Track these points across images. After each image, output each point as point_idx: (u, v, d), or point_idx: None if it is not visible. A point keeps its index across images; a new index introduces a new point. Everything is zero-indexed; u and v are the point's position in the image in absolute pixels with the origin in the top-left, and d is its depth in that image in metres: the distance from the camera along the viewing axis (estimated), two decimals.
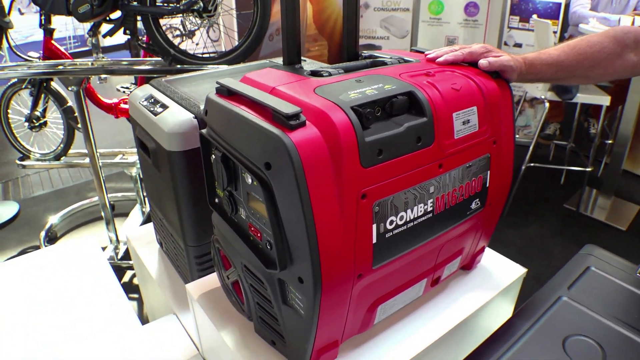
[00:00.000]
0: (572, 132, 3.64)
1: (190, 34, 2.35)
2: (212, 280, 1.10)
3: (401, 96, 0.75)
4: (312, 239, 0.65)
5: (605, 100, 2.97)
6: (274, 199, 0.67)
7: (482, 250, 1.09)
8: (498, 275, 1.10)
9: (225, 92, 0.78)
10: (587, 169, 3.32)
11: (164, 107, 1.10)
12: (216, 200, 0.91)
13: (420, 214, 0.79)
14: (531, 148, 3.13)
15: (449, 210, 0.85)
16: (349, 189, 0.68)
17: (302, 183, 0.63)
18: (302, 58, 1.04)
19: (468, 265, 1.09)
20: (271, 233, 0.71)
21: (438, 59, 0.94)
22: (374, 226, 0.73)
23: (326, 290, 0.70)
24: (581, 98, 2.98)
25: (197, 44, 2.21)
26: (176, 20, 2.61)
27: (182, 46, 2.13)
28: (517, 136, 4.21)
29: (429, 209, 0.80)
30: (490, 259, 1.15)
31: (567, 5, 3.80)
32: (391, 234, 0.76)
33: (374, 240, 0.73)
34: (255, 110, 0.70)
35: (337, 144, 0.66)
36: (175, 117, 1.03)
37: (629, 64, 1.03)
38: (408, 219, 0.77)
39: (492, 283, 1.07)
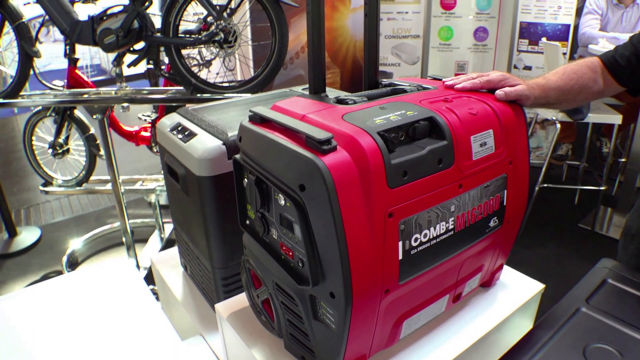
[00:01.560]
0: (585, 151, 3.66)
1: (207, 63, 2.43)
2: (239, 300, 1.14)
3: (423, 121, 0.81)
4: (344, 256, 0.70)
5: (617, 119, 3.00)
6: (307, 218, 0.72)
7: (500, 267, 1.13)
8: (517, 291, 1.13)
9: (258, 119, 0.84)
10: (601, 188, 3.33)
11: (193, 134, 1.15)
12: (247, 222, 0.96)
13: (442, 231, 0.83)
14: (544, 169, 3.16)
15: (469, 228, 0.89)
16: (377, 208, 0.72)
17: (335, 203, 0.68)
18: None
19: (487, 282, 1.12)
20: (304, 251, 0.75)
21: (456, 86, 0.99)
22: (400, 243, 0.77)
23: (356, 304, 0.74)
24: (592, 118, 3.00)
25: (217, 74, 2.29)
26: (193, 50, 2.69)
27: (199, 75, 2.21)
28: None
29: (451, 227, 0.85)
30: (509, 276, 1.19)
31: (576, 27, 3.86)
32: (416, 250, 0.80)
33: (400, 257, 0.78)
34: (289, 136, 0.76)
35: (366, 167, 0.71)
36: (204, 144, 1.09)
37: (600, 88, 1.16)
38: (431, 237, 0.82)
39: (511, 299, 1.11)
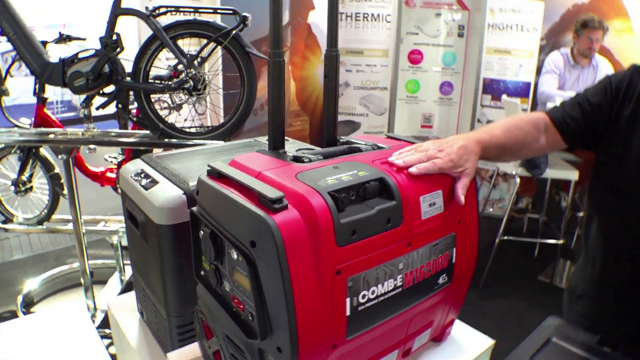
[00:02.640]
0: (544, 205, 3.78)
1: (178, 107, 2.46)
2: (192, 350, 1.13)
3: (373, 182, 0.84)
4: (291, 311, 0.72)
5: (573, 175, 3.12)
6: (257, 273, 0.74)
7: (451, 322, 1.15)
8: (467, 346, 1.16)
9: (216, 174, 0.86)
10: (559, 242, 3.42)
11: (155, 182, 1.17)
12: (202, 272, 0.97)
13: (390, 288, 0.86)
14: (504, 221, 3.24)
15: (418, 285, 0.92)
16: (325, 266, 0.75)
17: (283, 260, 0.70)
18: (285, 137, 1.12)
19: (438, 337, 1.15)
20: (253, 305, 0.77)
21: (410, 169, 0.91)
22: (348, 300, 0.79)
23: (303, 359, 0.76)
24: (550, 173, 3.11)
25: (185, 119, 2.32)
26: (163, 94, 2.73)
27: (169, 119, 2.24)
28: (491, 209, 4.36)
29: (399, 284, 0.88)
30: (460, 330, 1.21)
31: (537, 84, 4.03)
32: (364, 307, 0.82)
33: (348, 313, 0.80)
34: (243, 193, 0.78)
35: (315, 226, 0.74)
36: (165, 193, 1.10)
37: (542, 146, 1.22)
38: (379, 293, 0.84)
39: (461, 354, 1.13)
